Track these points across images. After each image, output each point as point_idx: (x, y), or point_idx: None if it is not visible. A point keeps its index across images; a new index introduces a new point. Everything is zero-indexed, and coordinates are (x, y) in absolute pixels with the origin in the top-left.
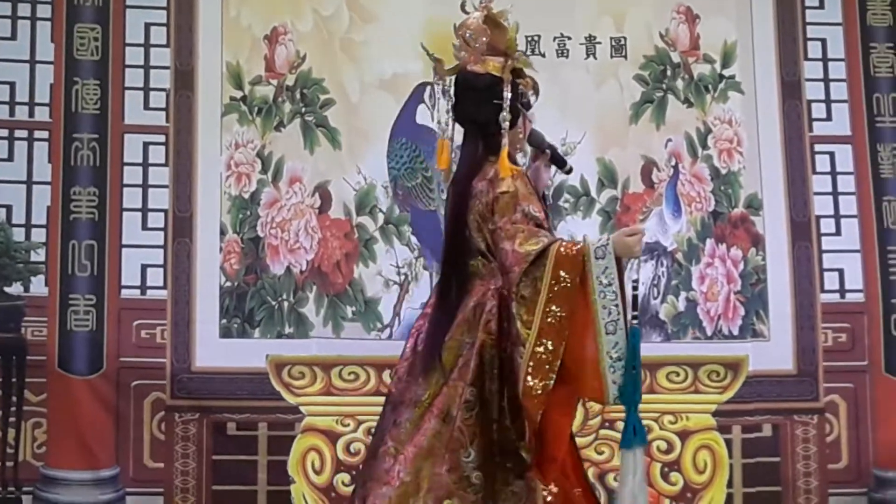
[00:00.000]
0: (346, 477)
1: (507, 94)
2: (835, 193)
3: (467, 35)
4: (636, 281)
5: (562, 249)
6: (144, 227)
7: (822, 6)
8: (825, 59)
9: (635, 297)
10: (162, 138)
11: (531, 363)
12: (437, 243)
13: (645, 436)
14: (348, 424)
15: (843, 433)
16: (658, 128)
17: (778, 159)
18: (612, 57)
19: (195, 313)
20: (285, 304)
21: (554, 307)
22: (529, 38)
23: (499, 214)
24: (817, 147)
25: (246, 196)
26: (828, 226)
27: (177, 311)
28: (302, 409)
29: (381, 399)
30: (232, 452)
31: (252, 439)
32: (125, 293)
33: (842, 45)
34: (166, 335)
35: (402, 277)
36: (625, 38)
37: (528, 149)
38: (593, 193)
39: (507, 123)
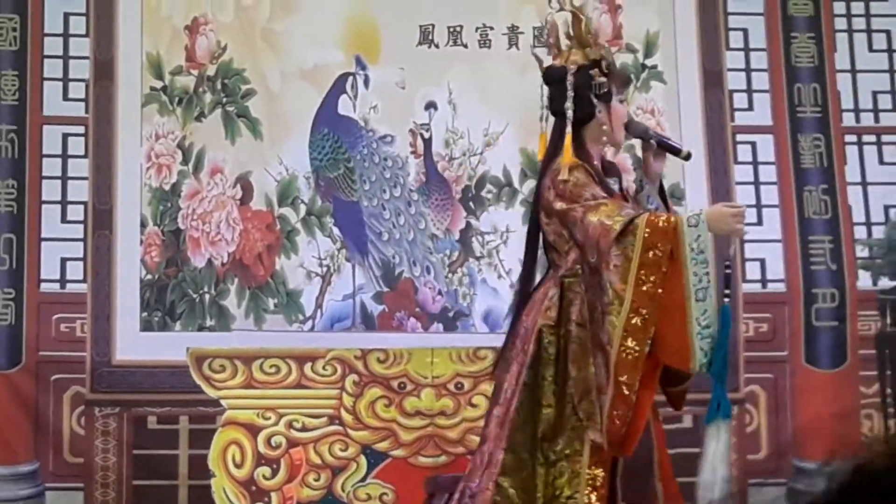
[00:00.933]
0: (266, 470)
1: (570, 84)
2: (756, 183)
3: (545, 31)
4: (729, 260)
5: (653, 218)
6: (64, 219)
7: None
8: (747, 49)
9: (728, 276)
10: (81, 129)
11: (626, 330)
12: (359, 234)
13: (729, 410)
14: (269, 418)
15: (763, 424)
16: None
17: (700, 149)
18: (534, 47)
19: (115, 307)
20: (206, 296)
21: (646, 274)
22: (451, 29)
23: (567, 201)
24: (739, 137)
25: (167, 188)
26: (749, 216)
27: (97, 305)
28: (223, 402)
29: (303, 392)
30: (153, 446)
31: (173, 433)
32: (44, 287)
33: (763, 34)
34: (86, 329)
35: (325, 269)
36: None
37: (622, 140)
38: (516, 184)
39: (570, 114)
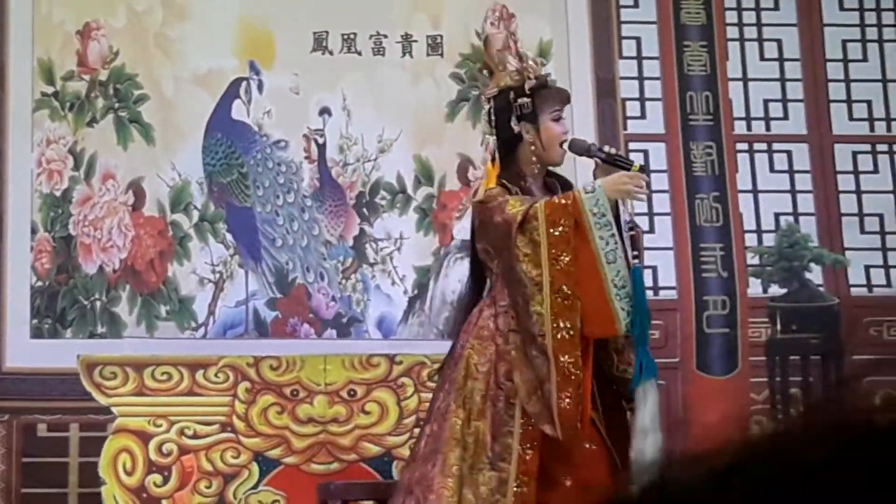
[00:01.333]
0: (157, 478)
1: (488, 111)
2: (649, 191)
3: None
4: (631, 222)
5: (552, 199)
6: None
7: (636, 5)
8: (640, 58)
9: (632, 237)
10: None
11: (554, 312)
12: (252, 240)
13: (654, 369)
14: (161, 425)
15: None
16: (474, 126)
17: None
18: (428, 55)
19: (5, 314)
20: (98, 303)
21: (557, 253)
22: (345, 36)
23: (482, 214)
24: (632, 145)
25: (58, 194)
26: (641, 224)
27: None
28: (114, 409)
29: (195, 399)
30: (42, 454)
31: (63, 441)
32: None
33: (656, 43)
34: None
35: (218, 276)
36: (441, 37)
37: (556, 158)
38: (409, 191)
39: (491, 140)
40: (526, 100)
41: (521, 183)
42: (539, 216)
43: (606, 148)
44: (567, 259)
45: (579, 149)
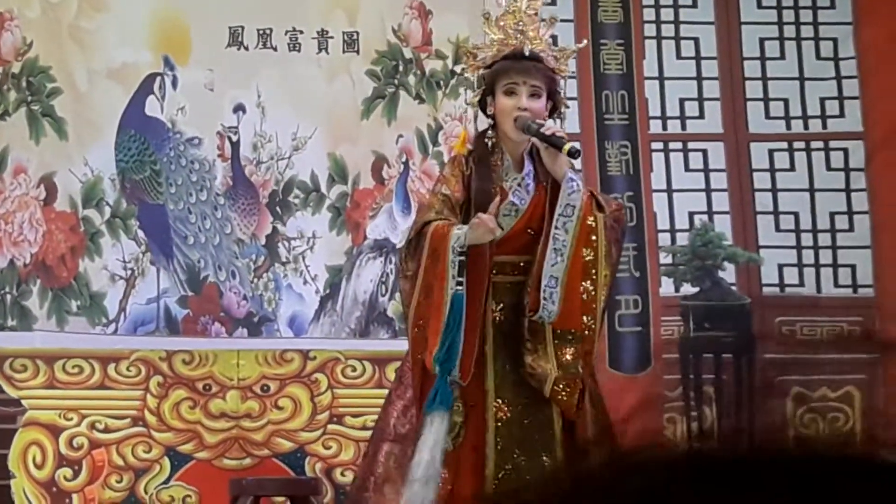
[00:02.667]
0: (68, 472)
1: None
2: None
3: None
4: (463, 247)
5: (443, 224)
6: None
7: (553, 2)
8: None
9: (461, 263)
10: None
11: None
12: (164, 238)
13: (450, 400)
14: (71, 418)
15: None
16: (389, 123)
17: None
18: (344, 52)
19: None
20: (8, 297)
21: (427, 282)
22: (261, 31)
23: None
24: None
25: None
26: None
27: None
28: (24, 402)
29: (106, 392)
30: None
31: None
32: None
33: (573, 41)
34: None
35: (129, 272)
36: (357, 33)
37: (510, 133)
38: (323, 189)
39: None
40: (485, 71)
41: (487, 151)
42: (426, 239)
43: (544, 127)
44: (433, 292)
45: (522, 126)
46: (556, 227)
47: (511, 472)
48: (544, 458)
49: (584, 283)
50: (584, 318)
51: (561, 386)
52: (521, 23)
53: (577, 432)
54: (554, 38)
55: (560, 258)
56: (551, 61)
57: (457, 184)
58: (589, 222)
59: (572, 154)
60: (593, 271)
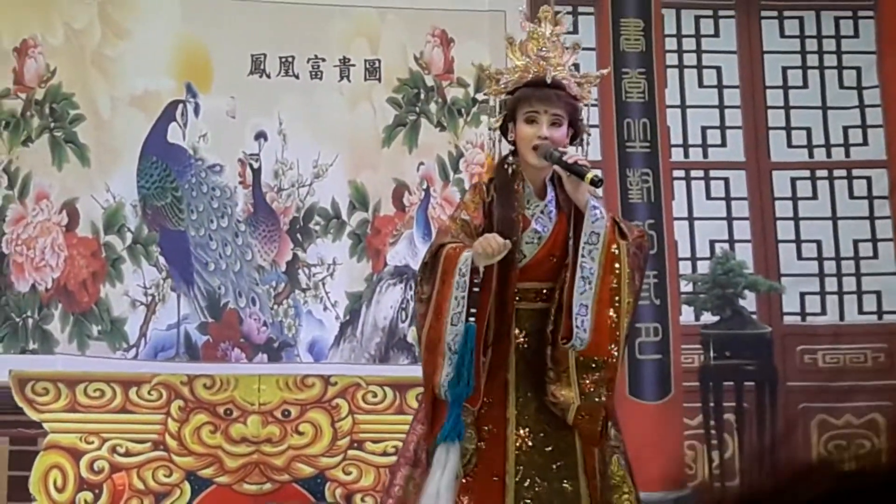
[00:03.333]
0: (88, 495)
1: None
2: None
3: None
4: (478, 278)
5: (455, 247)
6: None
7: (575, 31)
8: None
9: (474, 294)
10: None
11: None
12: (185, 264)
13: (463, 432)
14: (92, 442)
15: None
16: (410, 151)
17: None
18: (365, 79)
19: None
20: (30, 321)
21: (440, 301)
22: (283, 59)
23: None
24: None
25: None
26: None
27: None
28: (45, 425)
29: (127, 416)
30: None
31: None
32: None
33: (594, 70)
34: None
35: (150, 298)
36: (379, 61)
37: (531, 160)
38: (344, 216)
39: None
40: (506, 97)
41: (509, 178)
42: (440, 262)
43: (566, 156)
44: (442, 315)
45: (543, 154)
46: (583, 256)
47: (532, 502)
48: (566, 485)
49: (609, 312)
50: (610, 346)
51: (583, 415)
52: (543, 48)
53: (590, 461)
54: (576, 65)
55: (588, 286)
56: (574, 88)
57: (476, 210)
58: (613, 250)
59: (595, 183)
60: (617, 299)
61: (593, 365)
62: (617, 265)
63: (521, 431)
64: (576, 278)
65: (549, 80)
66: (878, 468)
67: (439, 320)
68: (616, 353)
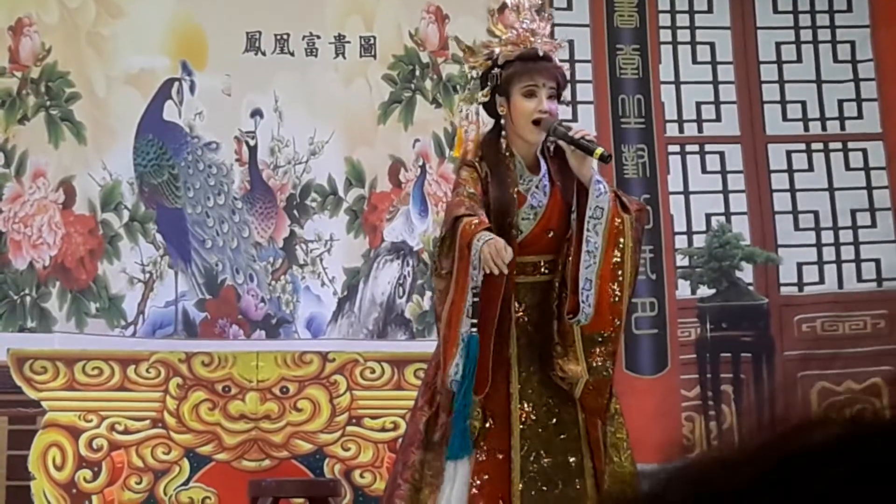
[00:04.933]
0: (87, 473)
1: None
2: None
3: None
4: (476, 288)
5: (470, 220)
6: None
7: (569, 7)
8: (572, 61)
9: (475, 304)
10: None
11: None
12: (182, 241)
13: (469, 447)
14: (91, 420)
15: None
16: (406, 128)
17: None
18: (361, 56)
19: None
20: (27, 298)
21: (459, 279)
22: (278, 37)
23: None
24: None
25: None
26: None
27: None
28: (44, 404)
29: (127, 394)
30: None
31: None
32: None
33: (589, 46)
34: None
35: (147, 275)
36: (374, 38)
37: (528, 135)
38: (341, 192)
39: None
40: (497, 71)
41: (500, 154)
42: (457, 238)
43: (572, 131)
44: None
45: (545, 128)
46: (588, 230)
47: (537, 476)
48: (570, 458)
49: (611, 285)
50: (613, 319)
51: (591, 388)
52: (526, 20)
53: (594, 433)
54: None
55: (593, 260)
56: (557, 60)
57: (476, 185)
58: (616, 224)
59: (604, 159)
60: (620, 273)
61: (599, 339)
62: (621, 239)
63: (526, 406)
64: (581, 252)
65: (541, 53)
66: (881, 417)
67: (462, 295)
68: (620, 327)
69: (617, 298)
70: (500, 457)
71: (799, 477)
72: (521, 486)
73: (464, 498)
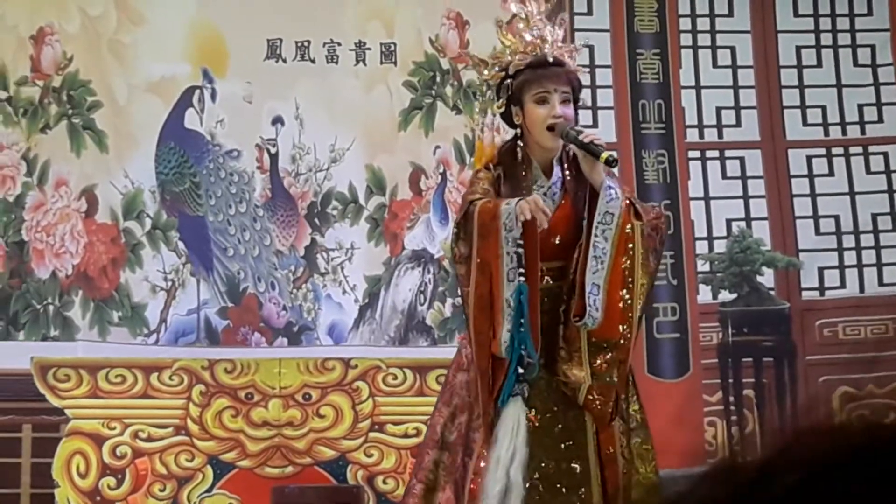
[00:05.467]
0: (111, 481)
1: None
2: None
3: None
4: (519, 239)
5: (487, 202)
6: None
7: (590, 12)
8: (592, 66)
9: (518, 255)
10: None
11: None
12: (204, 249)
13: (522, 389)
14: (115, 427)
15: None
16: (427, 134)
17: None
18: (381, 63)
19: None
20: (50, 307)
21: (481, 261)
22: (299, 44)
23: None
24: None
25: (10, 199)
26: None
27: None
28: (67, 411)
29: (149, 402)
30: None
31: (16, 441)
32: None
33: (609, 51)
34: None
35: (169, 283)
36: (395, 44)
37: (544, 141)
38: (361, 200)
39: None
40: (509, 81)
41: (516, 161)
42: (474, 219)
43: (582, 134)
44: (492, 270)
45: (561, 132)
46: (596, 236)
47: (539, 481)
48: (574, 465)
49: (621, 292)
50: (621, 326)
51: (594, 395)
52: (536, 28)
53: (606, 441)
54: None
55: (601, 266)
56: (572, 63)
57: (488, 184)
58: (626, 230)
59: (609, 163)
60: (630, 279)
61: (605, 345)
62: (630, 245)
63: (531, 412)
64: (588, 257)
65: (551, 59)
66: None
67: (485, 276)
68: (629, 335)
69: (626, 305)
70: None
71: (837, 481)
72: (523, 488)
73: (526, 438)
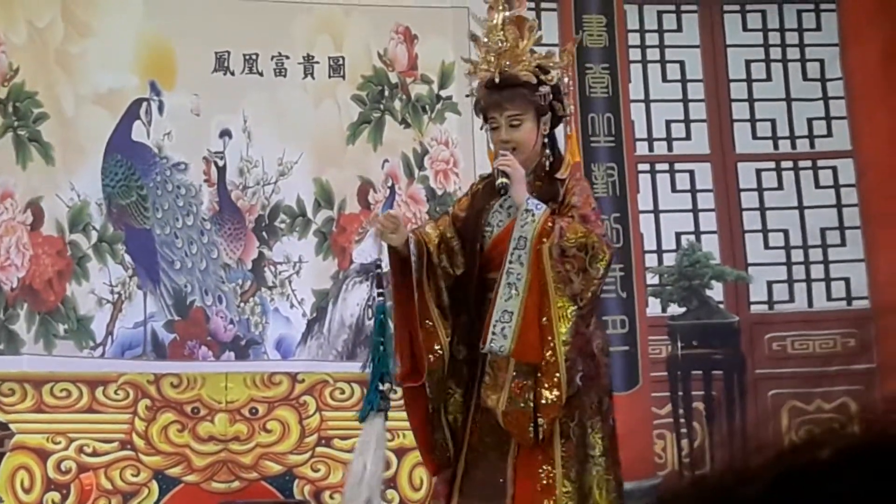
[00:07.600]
0: (56, 496)
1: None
2: None
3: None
4: (378, 260)
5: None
6: None
7: (539, 27)
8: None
9: (378, 276)
10: None
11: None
12: (151, 262)
13: (377, 403)
14: (59, 442)
15: None
16: (375, 148)
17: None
18: (330, 76)
19: None
20: None
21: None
22: (247, 56)
23: None
24: None
25: None
26: None
27: None
28: (11, 426)
29: (94, 416)
30: None
31: None
32: None
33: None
34: None
35: (116, 296)
36: (343, 58)
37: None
38: (309, 214)
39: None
40: (475, 98)
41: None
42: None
43: (497, 160)
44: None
45: (494, 171)
46: (511, 262)
47: (471, 491)
48: (499, 478)
49: (538, 316)
50: (544, 350)
51: (510, 420)
52: (499, 41)
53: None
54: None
55: (514, 292)
56: (532, 76)
57: (462, 200)
58: (538, 252)
59: (498, 190)
60: (545, 302)
61: (525, 370)
62: (542, 266)
63: (479, 421)
64: (501, 284)
65: (497, 81)
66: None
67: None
68: (552, 359)
69: (544, 330)
70: (451, 470)
71: (807, 491)
72: (457, 499)
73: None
